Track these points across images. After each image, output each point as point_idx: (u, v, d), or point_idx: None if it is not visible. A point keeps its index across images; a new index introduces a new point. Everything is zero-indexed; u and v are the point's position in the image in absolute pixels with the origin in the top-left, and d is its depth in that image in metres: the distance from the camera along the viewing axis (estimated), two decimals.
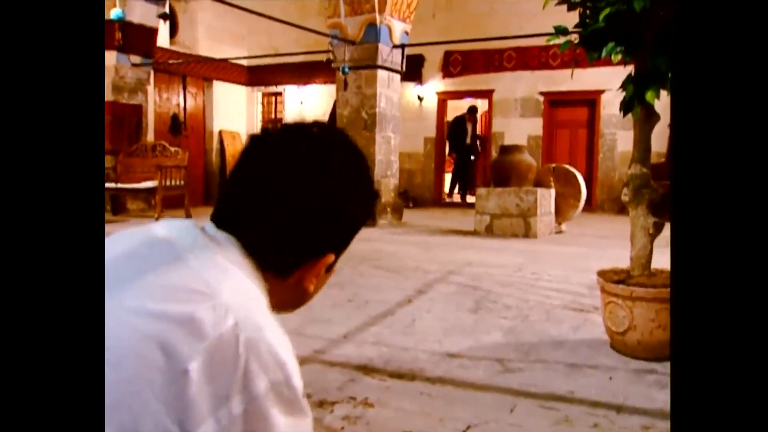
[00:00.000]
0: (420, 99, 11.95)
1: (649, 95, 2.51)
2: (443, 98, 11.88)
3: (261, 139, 0.85)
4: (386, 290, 4.10)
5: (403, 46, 8.17)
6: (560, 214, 7.55)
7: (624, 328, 2.79)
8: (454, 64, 11.55)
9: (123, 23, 9.17)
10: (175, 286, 0.71)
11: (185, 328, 0.67)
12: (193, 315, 0.68)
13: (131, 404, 0.64)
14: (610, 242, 6.34)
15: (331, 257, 0.86)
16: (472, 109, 12.36)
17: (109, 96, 9.56)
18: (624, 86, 2.63)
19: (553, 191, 7.39)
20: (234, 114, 13.02)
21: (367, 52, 7.91)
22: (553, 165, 7.69)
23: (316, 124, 0.86)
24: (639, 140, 2.84)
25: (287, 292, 0.85)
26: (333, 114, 8.40)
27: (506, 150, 7.20)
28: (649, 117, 2.73)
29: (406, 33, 8.33)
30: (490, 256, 5.55)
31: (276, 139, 0.83)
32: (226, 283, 0.73)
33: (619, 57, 2.56)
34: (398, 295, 3.95)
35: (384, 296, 3.93)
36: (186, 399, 0.65)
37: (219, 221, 0.83)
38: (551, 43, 2.92)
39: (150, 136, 10.98)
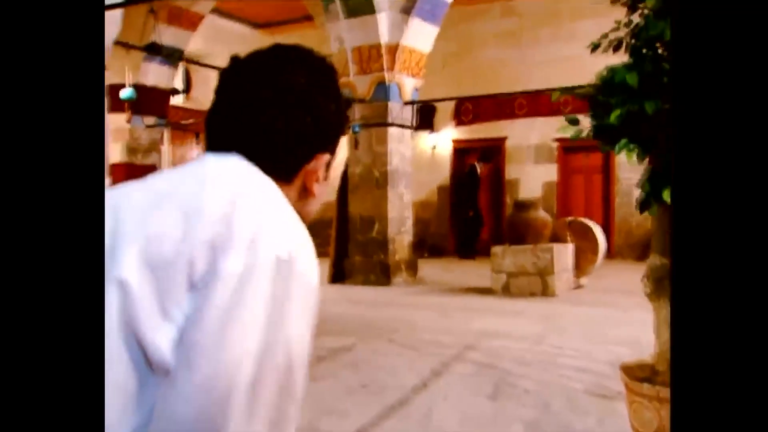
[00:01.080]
0: (433, 148, 11.94)
1: (665, 194, 2.41)
2: (456, 146, 11.86)
3: (233, 67, 0.91)
4: (402, 372, 3.96)
5: (413, 103, 8.17)
6: (579, 268, 7.39)
7: (652, 430, 2.64)
8: (466, 112, 11.56)
9: (138, 86, 9.33)
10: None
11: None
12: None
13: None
14: (632, 300, 6.16)
15: (327, 156, 0.91)
16: (484, 160, 11.44)
17: (123, 157, 9.67)
18: (640, 185, 2.53)
19: (570, 246, 7.25)
20: None
21: (377, 110, 7.92)
22: (570, 219, 7.57)
23: (277, 45, 0.93)
24: (656, 232, 2.73)
25: (294, 201, 0.89)
26: (345, 172, 8.37)
27: (521, 206, 7.10)
28: (667, 211, 2.63)
29: (417, 89, 8.34)
30: (507, 323, 5.40)
31: (248, 62, 0.90)
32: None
33: (633, 156, 2.48)
34: (414, 378, 3.82)
35: (399, 380, 3.80)
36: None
37: (217, 148, 0.89)
38: (562, 133, 2.84)
39: None
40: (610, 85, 2.64)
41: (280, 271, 0.76)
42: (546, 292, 6.71)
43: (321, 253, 8.65)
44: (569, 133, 2.85)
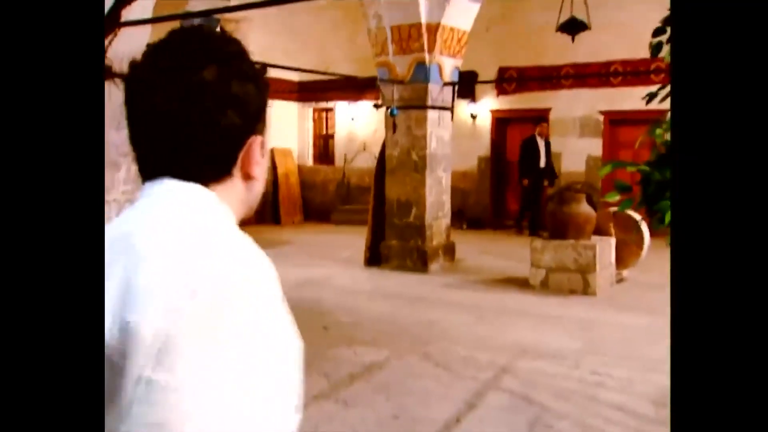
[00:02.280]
0: (473, 117, 11.58)
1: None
2: (497, 116, 11.48)
3: (137, 76, 0.87)
4: (434, 401, 3.92)
5: (454, 84, 7.86)
6: (621, 262, 7.17)
7: None
8: (509, 81, 11.12)
9: None
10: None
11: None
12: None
13: None
14: None
15: (259, 137, 0.89)
16: (540, 121, 10.63)
17: None
18: None
19: (613, 240, 7.01)
20: (286, 131, 12.96)
21: (416, 92, 7.65)
22: (614, 210, 7.29)
23: (174, 38, 0.87)
24: None
25: (240, 190, 0.89)
26: (382, 154, 8.19)
27: (563, 199, 6.85)
28: None
29: (457, 68, 8.01)
30: (545, 334, 5.28)
31: (152, 67, 0.85)
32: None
33: None
34: (447, 410, 3.77)
35: (432, 412, 3.76)
36: None
37: (150, 172, 0.87)
38: (609, 200, 2.64)
39: None
40: (668, 159, 2.41)
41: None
42: (586, 290, 6.54)
43: (360, 221, 8.42)
44: (614, 197, 2.65)
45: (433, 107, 7.71)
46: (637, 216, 7.20)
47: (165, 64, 0.84)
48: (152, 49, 0.87)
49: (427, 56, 7.50)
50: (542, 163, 10.43)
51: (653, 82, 9.57)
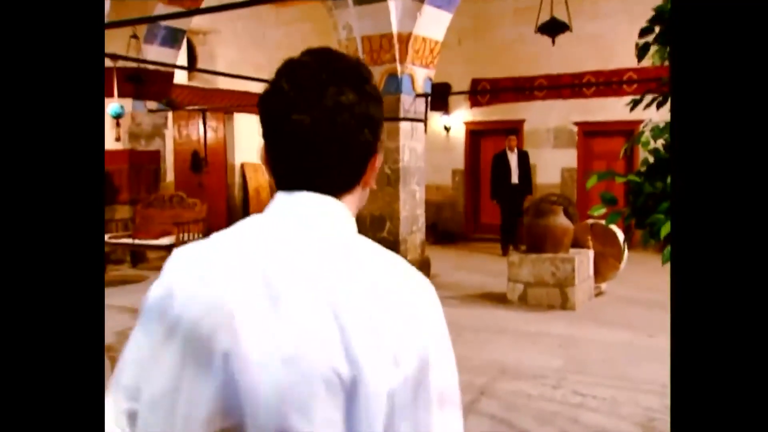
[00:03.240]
0: (447, 129, 11.45)
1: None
2: (471, 128, 11.36)
3: (280, 94, 0.88)
4: None
5: (427, 95, 7.69)
6: (600, 274, 7.03)
7: None
8: (482, 92, 11.01)
9: (139, 70, 8.89)
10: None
11: None
12: None
13: None
14: (656, 316, 5.82)
15: (380, 153, 0.96)
16: (510, 134, 10.15)
17: (126, 144, 9.32)
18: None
19: (591, 253, 6.87)
20: (256, 146, 12.66)
21: (388, 104, 7.46)
22: (591, 222, 7.16)
23: (313, 59, 0.91)
24: None
25: (359, 198, 0.95)
26: None
27: (539, 211, 6.69)
28: None
29: (430, 79, 7.85)
30: (525, 351, 5.09)
31: (296, 87, 0.88)
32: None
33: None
34: None
35: None
36: None
37: (288, 185, 0.90)
38: (595, 213, 2.45)
39: (170, 176, 10.74)
40: (658, 169, 2.24)
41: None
42: (565, 305, 6.37)
43: None
44: (599, 211, 2.46)
45: (406, 119, 7.53)
46: (615, 228, 7.08)
47: (308, 83, 0.87)
48: (290, 68, 0.90)
49: (399, 67, 7.33)
50: (515, 179, 9.75)
51: (626, 93, 9.55)
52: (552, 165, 10.61)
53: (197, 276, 0.83)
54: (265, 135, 0.91)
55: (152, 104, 9.52)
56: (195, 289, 0.81)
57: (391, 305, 0.83)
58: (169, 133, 10.50)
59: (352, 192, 0.94)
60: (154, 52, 9.08)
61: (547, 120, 10.63)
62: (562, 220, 6.60)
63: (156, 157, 9.77)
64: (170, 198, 9.14)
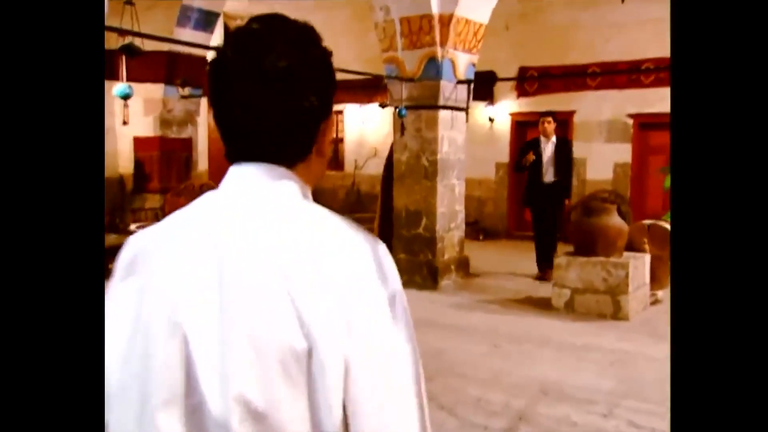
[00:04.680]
0: (491, 120, 10.83)
1: None
2: (517, 120, 10.71)
3: (224, 62, 0.88)
4: None
5: (469, 82, 7.13)
6: (656, 281, 6.37)
7: None
8: (530, 81, 10.35)
9: (171, 54, 8.60)
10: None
11: None
12: None
13: None
14: None
15: (332, 118, 0.95)
16: (547, 115, 7.63)
17: (156, 131, 9.06)
18: None
19: (647, 257, 6.21)
20: None
21: (427, 90, 6.93)
22: (648, 223, 6.50)
23: (257, 25, 0.89)
24: None
25: (313, 166, 0.93)
26: (390, 158, 7.48)
27: (590, 210, 6.07)
28: None
29: (473, 65, 7.29)
30: (571, 368, 4.52)
31: (239, 54, 0.87)
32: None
33: None
34: None
35: None
36: None
37: (237, 155, 0.90)
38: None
39: (203, 165, 10.47)
40: None
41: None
42: (617, 314, 5.75)
43: (369, 231, 7.57)
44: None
45: (446, 107, 6.99)
46: None
47: (250, 50, 0.86)
48: (235, 36, 0.89)
49: (439, 51, 6.79)
50: (549, 176, 7.38)
51: None
52: (604, 160, 9.88)
53: (151, 262, 0.85)
54: (212, 105, 0.90)
55: (185, 90, 9.22)
56: (149, 275, 0.84)
57: (339, 274, 0.81)
58: (202, 120, 10.19)
59: (306, 161, 0.92)
60: (187, 36, 8.76)
61: (599, 111, 9.89)
62: (615, 220, 5.97)
63: (188, 144, 9.47)
64: (200, 187, 8.81)
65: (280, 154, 0.89)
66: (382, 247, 0.86)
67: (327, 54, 0.92)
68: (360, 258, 0.83)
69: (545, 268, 7.27)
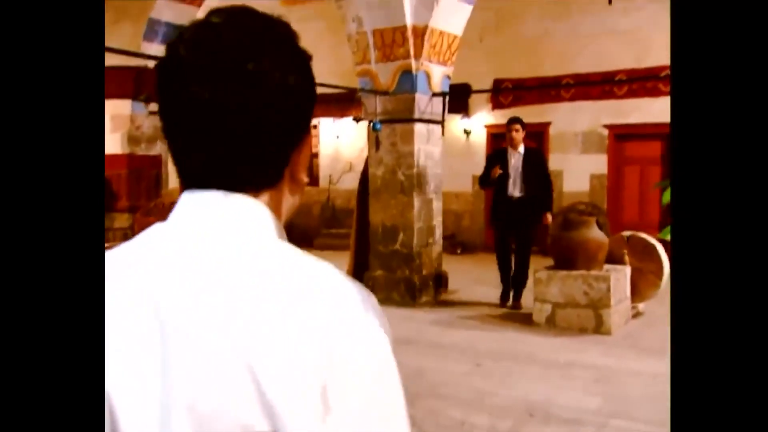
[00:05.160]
0: (467, 133, 10.77)
1: None
2: (493, 132, 10.66)
3: (178, 61, 0.69)
4: None
5: (444, 94, 7.03)
6: (637, 293, 6.29)
7: None
8: (504, 94, 10.32)
9: (139, 69, 8.39)
10: None
11: None
12: None
13: None
14: None
15: (309, 137, 0.77)
16: (514, 122, 6.56)
17: (124, 148, 8.81)
18: None
19: (628, 269, 6.14)
20: None
21: (402, 103, 6.82)
22: (628, 235, 6.44)
23: (218, 18, 0.71)
24: None
25: (289, 195, 0.76)
26: (365, 173, 7.34)
27: (569, 223, 5.98)
28: None
29: (448, 77, 7.19)
30: (556, 384, 4.39)
31: (197, 50, 0.69)
32: None
33: None
34: None
35: None
36: None
37: (192, 177, 0.72)
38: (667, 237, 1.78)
39: (174, 183, 10.23)
40: None
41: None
42: (600, 329, 5.65)
43: (345, 247, 7.34)
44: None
45: (421, 120, 6.87)
46: (652, 240, 6.35)
47: (212, 48, 0.68)
48: (194, 30, 0.70)
49: (413, 63, 6.68)
50: (515, 190, 6.44)
51: (662, 93, 8.80)
52: (580, 171, 9.86)
53: None
54: (161, 116, 0.72)
55: (154, 106, 9.00)
56: None
57: (315, 336, 0.63)
58: None
59: (276, 187, 0.74)
60: (155, 51, 8.56)
61: (574, 123, 9.89)
62: (595, 233, 5.88)
63: (157, 161, 9.25)
64: (171, 205, 8.59)
65: (244, 180, 0.71)
66: (373, 301, 0.69)
67: (306, 56, 0.74)
68: (342, 318, 0.65)
69: (507, 295, 6.65)
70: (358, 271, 7.23)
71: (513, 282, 6.61)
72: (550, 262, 6.36)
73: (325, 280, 0.67)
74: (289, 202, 0.76)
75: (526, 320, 6.11)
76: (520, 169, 6.50)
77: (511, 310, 6.56)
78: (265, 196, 0.72)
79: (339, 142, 11.93)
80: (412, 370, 4.76)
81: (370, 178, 7.12)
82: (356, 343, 0.64)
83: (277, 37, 0.71)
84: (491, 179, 6.58)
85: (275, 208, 0.73)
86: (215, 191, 0.70)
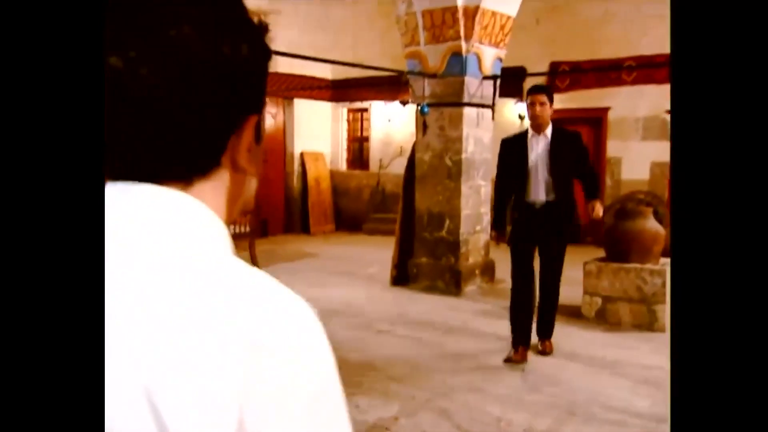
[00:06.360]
0: (521, 118, 10.45)
1: None
2: None
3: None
4: None
5: (495, 77, 6.79)
6: None
7: None
8: (561, 77, 9.93)
9: None
10: None
11: None
12: None
13: None
14: None
15: (254, 119, 0.65)
16: (537, 92, 4.51)
17: None
18: None
19: None
20: (317, 133, 12.10)
21: (451, 86, 6.61)
22: None
23: None
24: None
25: (231, 186, 0.65)
26: (411, 159, 7.19)
27: (625, 213, 5.69)
28: None
29: (500, 59, 6.94)
30: (601, 382, 4.18)
31: (108, 25, 0.59)
32: None
33: None
34: None
35: None
36: None
37: (113, 166, 0.61)
38: None
39: None
40: None
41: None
42: (653, 326, 5.36)
43: (393, 232, 7.11)
44: None
45: (471, 104, 6.66)
46: None
47: (126, 15, 0.58)
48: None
49: (463, 45, 6.46)
50: (540, 194, 4.48)
51: None
52: (640, 159, 9.41)
53: None
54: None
55: None
56: None
57: (230, 360, 0.52)
58: None
59: (211, 177, 0.62)
60: None
61: (636, 108, 9.43)
62: (651, 224, 5.57)
63: None
64: None
65: (171, 168, 0.61)
66: (309, 315, 0.58)
67: (250, 25, 0.64)
68: (267, 340, 0.54)
69: (544, 337, 4.80)
70: (403, 258, 7.12)
71: (540, 313, 4.76)
72: (596, 254, 6.09)
73: (251, 294, 0.57)
74: (231, 191, 0.66)
75: (574, 313, 5.86)
76: (546, 161, 4.42)
77: (539, 354, 4.73)
78: (199, 188, 0.62)
79: (390, 125, 11.79)
80: (450, 363, 4.63)
81: (417, 163, 6.98)
82: (282, 370, 0.54)
83: (214, 0, 0.61)
84: (497, 234, 4.94)
85: (212, 201, 0.63)
86: (134, 184, 0.60)
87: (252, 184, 0.70)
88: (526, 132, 4.65)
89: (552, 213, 4.49)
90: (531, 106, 4.48)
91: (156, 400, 0.51)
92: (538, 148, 4.51)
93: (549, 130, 4.51)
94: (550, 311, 4.80)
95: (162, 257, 0.57)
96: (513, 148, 4.63)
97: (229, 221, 0.67)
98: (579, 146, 4.56)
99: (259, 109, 0.67)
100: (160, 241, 0.58)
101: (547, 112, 4.45)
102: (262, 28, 0.66)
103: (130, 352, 0.53)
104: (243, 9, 0.64)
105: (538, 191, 4.49)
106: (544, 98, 4.44)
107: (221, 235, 0.62)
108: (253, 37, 0.64)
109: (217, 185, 0.64)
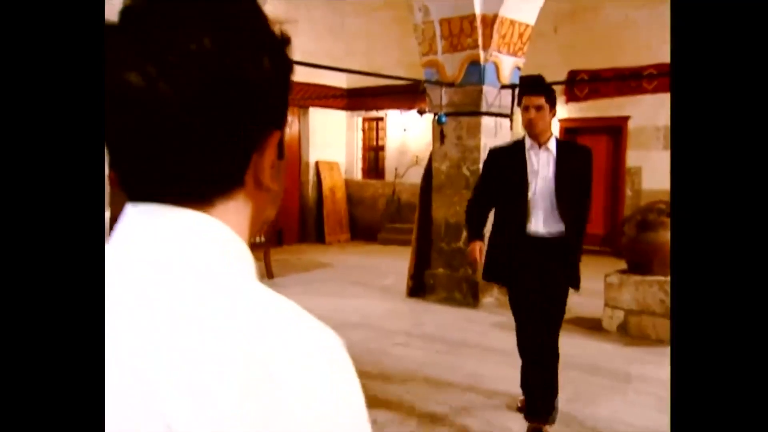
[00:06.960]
0: None
1: None
2: (566, 126, 10.18)
3: (112, 41, 0.56)
4: None
5: (514, 86, 6.70)
6: None
7: None
8: (580, 86, 9.81)
9: None
10: None
11: None
12: None
13: None
14: None
15: (277, 135, 0.62)
16: (531, 91, 3.35)
17: None
18: None
19: None
20: (332, 142, 12.08)
21: (468, 95, 6.54)
22: None
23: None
24: None
25: (253, 205, 0.63)
26: (428, 168, 7.11)
27: (646, 224, 5.57)
28: None
29: (518, 68, 6.85)
30: (624, 400, 4.06)
31: (121, 39, 0.56)
32: None
33: None
34: None
35: None
36: None
37: (133, 186, 0.59)
38: None
39: None
40: None
41: None
42: None
43: (408, 242, 7.04)
44: None
45: (489, 113, 6.57)
46: None
47: (143, 25, 0.56)
48: (127, 11, 0.58)
49: (481, 54, 6.39)
50: (539, 222, 3.39)
51: None
52: (661, 168, 9.24)
53: None
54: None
55: None
56: None
57: (250, 392, 0.50)
58: None
59: (232, 196, 0.59)
60: None
61: (657, 116, 9.28)
62: None
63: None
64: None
65: (190, 188, 0.58)
66: (335, 346, 0.56)
67: (272, 38, 0.60)
68: (284, 373, 0.51)
69: (541, 414, 3.58)
70: (419, 269, 7.03)
71: (539, 384, 3.62)
72: (613, 264, 5.96)
73: (274, 325, 0.54)
74: (254, 210, 0.63)
75: (594, 327, 5.74)
76: (551, 180, 3.38)
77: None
78: (222, 208, 0.59)
79: (406, 135, 11.73)
80: (469, 375, 4.53)
81: (434, 173, 6.90)
82: (304, 404, 0.52)
83: (226, 12, 0.58)
84: (470, 261, 3.80)
85: (235, 221, 0.60)
86: (156, 205, 0.58)
87: (276, 200, 0.67)
88: (522, 142, 3.44)
89: (555, 247, 3.40)
90: (524, 111, 3.33)
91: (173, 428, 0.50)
92: (539, 165, 3.38)
93: (553, 143, 3.39)
94: (550, 371, 3.60)
95: (183, 282, 0.55)
96: (505, 162, 3.47)
97: (251, 239, 0.64)
98: (588, 168, 3.43)
99: (281, 125, 0.63)
100: (181, 266, 0.56)
101: (546, 118, 3.32)
102: (284, 40, 0.62)
103: (148, 380, 0.51)
104: (264, 20, 0.61)
105: (538, 220, 3.39)
106: (540, 101, 3.29)
107: (244, 259, 0.60)
108: (275, 49, 0.61)
109: (239, 205, 0.61)
